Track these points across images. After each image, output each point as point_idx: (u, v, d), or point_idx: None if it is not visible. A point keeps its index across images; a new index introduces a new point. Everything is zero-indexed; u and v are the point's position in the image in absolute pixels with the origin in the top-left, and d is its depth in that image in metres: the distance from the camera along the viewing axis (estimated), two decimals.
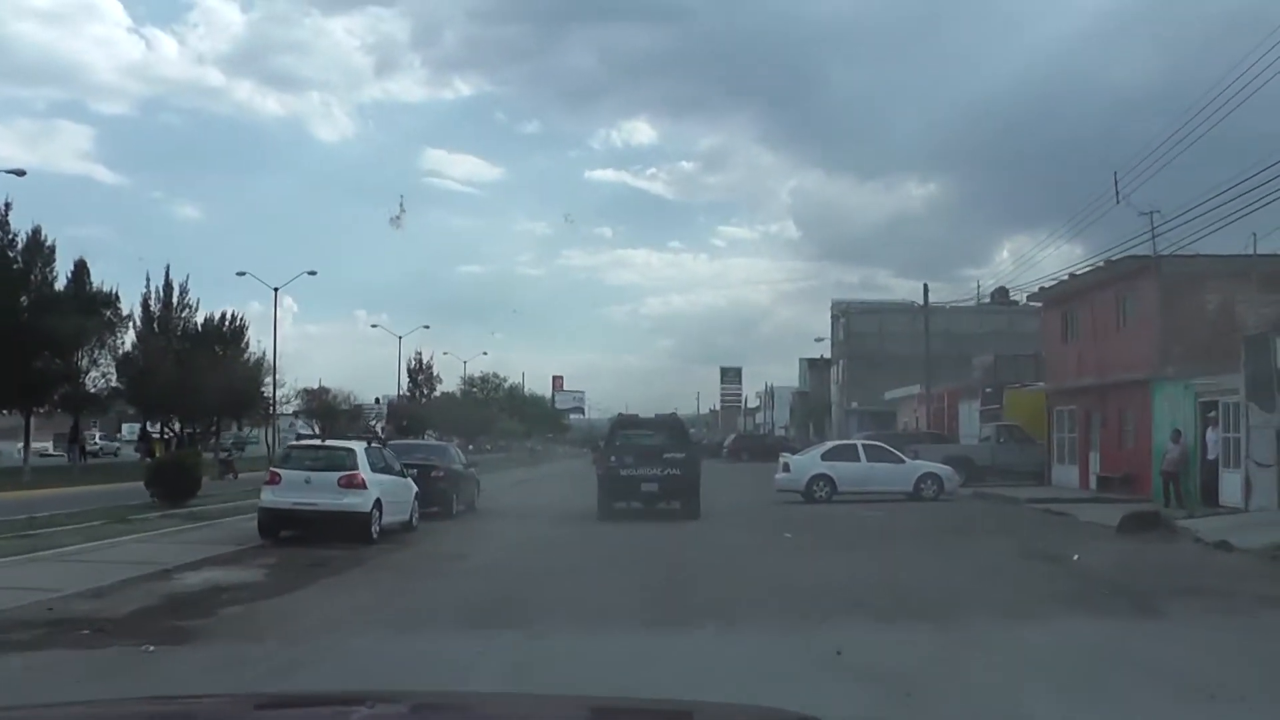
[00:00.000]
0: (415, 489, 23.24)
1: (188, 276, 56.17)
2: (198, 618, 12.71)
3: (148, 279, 55.09)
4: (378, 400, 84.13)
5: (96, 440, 74.12)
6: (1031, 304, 46.26)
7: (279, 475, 20.94)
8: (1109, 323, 34.73)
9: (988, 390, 48.37)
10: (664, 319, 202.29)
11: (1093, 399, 35.88)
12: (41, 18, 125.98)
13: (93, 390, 48.34)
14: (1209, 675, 9.57)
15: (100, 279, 48.68)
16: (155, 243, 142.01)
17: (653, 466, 26.75)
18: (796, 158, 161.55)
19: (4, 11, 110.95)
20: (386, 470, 22.00)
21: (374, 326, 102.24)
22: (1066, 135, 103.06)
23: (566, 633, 11.47)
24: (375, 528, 20.44)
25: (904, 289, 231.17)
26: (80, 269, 47.25)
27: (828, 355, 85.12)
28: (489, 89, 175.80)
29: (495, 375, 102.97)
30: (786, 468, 33.14)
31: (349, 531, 19.82)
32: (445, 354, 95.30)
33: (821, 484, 31.72)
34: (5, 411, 47.87)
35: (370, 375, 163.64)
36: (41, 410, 48.56)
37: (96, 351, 47.51)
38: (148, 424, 57.85)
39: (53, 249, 45.53)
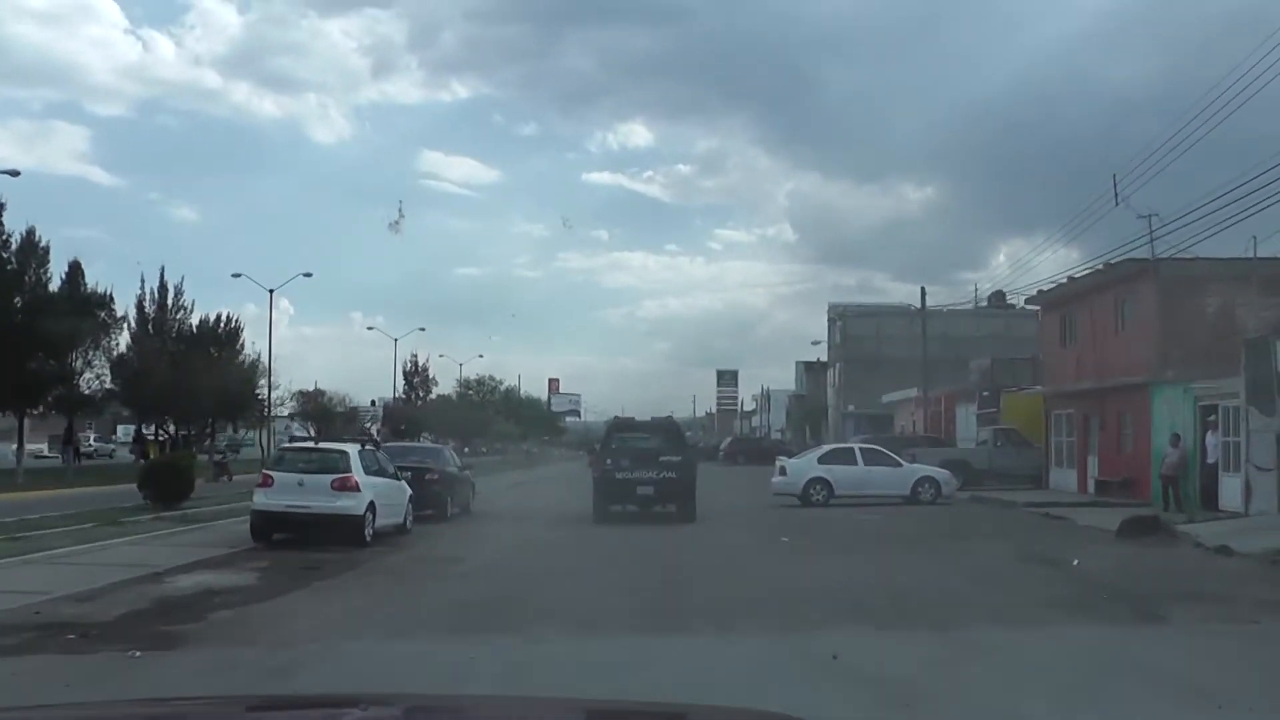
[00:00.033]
0: (409, 492, 23.15)
1: (182, 278, 56.32)
2: (188, 622, 12.57)
3: (142, 280, 55.08)
4: (373, 403, 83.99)
5: (91, 442, 73.93)
6: (1028, 307, 46.24)
7: (271, 477, 20.87)
8: (1108, 326, 34.63)
9: (985, 394, 48.31)
10: (660, 322, 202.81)
11: (1091, 402, 35.76)
12: (38, 18, 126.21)
13: (87, 392, 48.10)
14: (1210, 681, 9.52)
15: (95, 280, 48.60)
16: (152, 244, 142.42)
17: (648, 469, 26.67)
18: (793, 161, 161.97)
19: (1, 12, 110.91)
20: (380, 473, 21.89)
21: (370, 329, 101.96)
22: (1065, 137, 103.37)
23: (562, 636, 11.41)
24: (368, 530, 20.34)
25: (901, 292, 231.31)
26: (75, 270, 47.07)
27: (824, 358, 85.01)
28: (486, 91, 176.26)
29: (491, 378, 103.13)
30: (783, 471, 33.02)
31: (342, 534, 19.73)
32: (441, 356, 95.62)
33: (818, 487, 31.61)
34: None
35: (366, 377, 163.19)
36: (36, 412, 48.32)
37: (91, 353, 47.29)
38: (143, 426, 57.70)
39: (47, 250, 45.32)
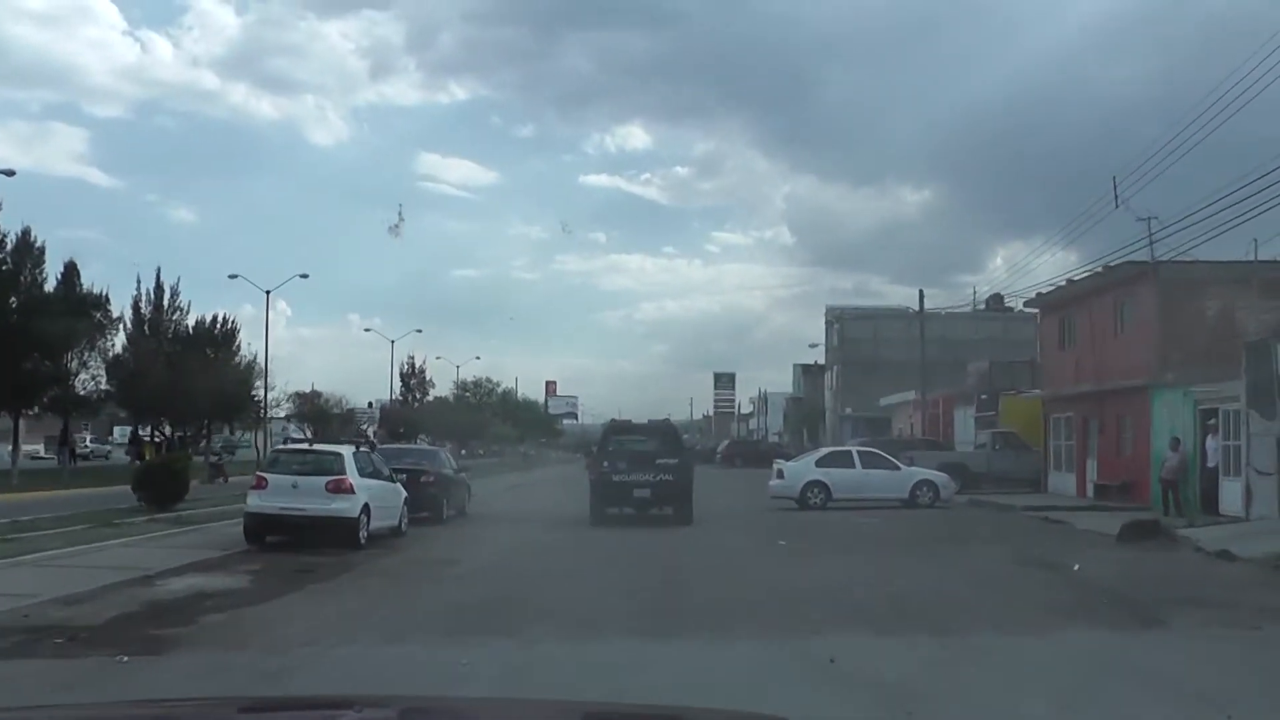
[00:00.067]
0: (404, 494, 23.07)
1: (179, 279, 56.15)
2: (179, 625, 12.45)
3: (138, 281, 55.08)
4: (370, 404, 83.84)
5: (87, 443, 73.81)
6: (1027, 310, 46.16)
7: (265, 479, 20.74)
8: (1107, 329, 34.53)
9: (983, 397, 48.24)
10: (658, 324, 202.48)
11: (1090, 406, 35.66)
12: (36, 20, 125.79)
13: (83, 393, 47.98)
14: (1211, 686, 9.45)
15: (92, 281, 48.58)
16: (149, 246, 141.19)
17: (645, 472, 26.61)
18: (791, 163, 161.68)
19: None
20: (375, 475, 21.79)
21: (367, 330, 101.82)
22: (1064, 140, 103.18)
23: (559, 639, 11.32)
24: (363, 533, 20.22)
25: (898, 295, 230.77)
26: (70, 270, 46.98)
27: (822, 361, 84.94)
28: (484, 93, 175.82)
29: (488, 380, 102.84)
30: (781, 474, 32.92)
31: (336, 537, 19.60)
32: (438, 358, 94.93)
33: (816, 491, 31.49)
34: None
35: (363, 379, 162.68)
36: (31, 413, 48.22)
37: (86, 354, 47.18)
38: (138, 427, 57.57)
39: (42, 250, 45.24)
